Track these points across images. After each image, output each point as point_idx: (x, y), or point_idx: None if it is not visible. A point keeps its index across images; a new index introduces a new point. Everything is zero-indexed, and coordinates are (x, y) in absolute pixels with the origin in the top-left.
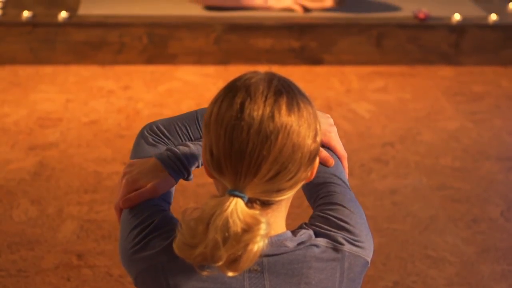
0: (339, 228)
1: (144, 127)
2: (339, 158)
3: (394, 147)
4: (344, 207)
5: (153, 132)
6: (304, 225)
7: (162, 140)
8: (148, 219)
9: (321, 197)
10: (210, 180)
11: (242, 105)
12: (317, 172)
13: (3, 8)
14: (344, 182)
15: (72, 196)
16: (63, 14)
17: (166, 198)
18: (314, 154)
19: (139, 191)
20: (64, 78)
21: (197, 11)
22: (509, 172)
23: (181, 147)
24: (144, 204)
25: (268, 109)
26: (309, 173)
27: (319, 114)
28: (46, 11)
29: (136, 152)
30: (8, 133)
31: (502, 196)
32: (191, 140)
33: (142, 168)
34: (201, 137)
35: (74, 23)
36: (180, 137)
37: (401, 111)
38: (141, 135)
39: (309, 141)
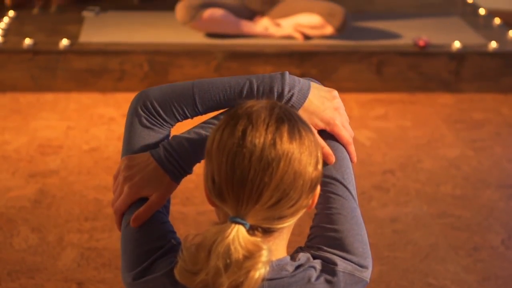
0: (334, 247)
1: (137, 101)
2: (344, 145)
3: (395, 174)
4: (341, 224)
5: (147, 110)
6: (300, 249)
7: (157, 121)
8: (158, 242)
9: (317, 212)
10: (211, 207)
11: (244, 132)
12: None
13: (4, 35)
14: (345, 187)
15: (73, 224)
16: (64, 42)
17: (166, 203)
18: (315, 182)
19: (148, 206)
20: (65, 105)
21: (197, 38)
22: (509, 200)
23: (179, 143)
24: (152, 221)
25: (269, 137)
26: (310, 201)
27: (323, 92)
28: (47, 38)
29: (130, 134)
30: (8, 161)
31: (503, 224)
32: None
33: (144, 174)
34: (197, 115)
35: (75, 50)
36: (176, 118)
37: (401, 139)
38: (134, 112)
39: (310, 169)
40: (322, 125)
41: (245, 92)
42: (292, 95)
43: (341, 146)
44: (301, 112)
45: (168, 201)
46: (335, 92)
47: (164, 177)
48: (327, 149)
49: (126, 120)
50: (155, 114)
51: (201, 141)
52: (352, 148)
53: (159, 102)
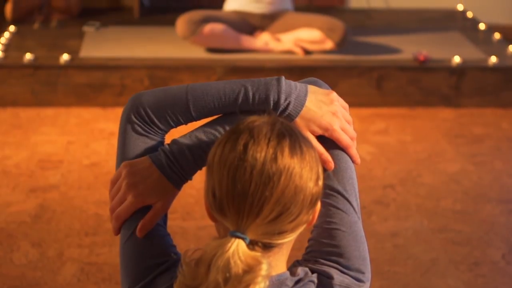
0: (331, 260)
1: (131, 107)
2: (344, 149)
3: (395, 189)
4: (339, 239)
5: (141, 118)
6: (297, 263)
7: (151, 129)
8: (159, 258)
9: (317, 224)
10: (211, 222)
11: (246, 146)
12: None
13: (5, 50)
14: (346, 199)
15: (73, 239)
16: (65, 57)
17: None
18: (316, 198)
19: (153, 215)
20: (65, 120)
21: (198, 53)
22: (510, 215)
23: (180, 151)
24: (153, 236)
25: (271, 151)
26: (310, 217)
27: (320, 96)
28: (47, 53)
29: (125, 141)
30: (9, 176)
31: (503, 239)
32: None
33: (148, 183)
34: (191, 122)
35: (75, 65)
36: (170, 125)
37: (401, 153)
38: (127, 120)
39: (311, 184)
40: (320, 131)
41: (240, 100)
42: (288, 104)
43: (345, 156)
44: (298, 120)
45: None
46: (333, 95)
47: (168, 186)
48: (326, 155)
49: (119, 126)
50: (149, 121)
51: (202, 149)
52: (353, 151)
53: (153, 109)
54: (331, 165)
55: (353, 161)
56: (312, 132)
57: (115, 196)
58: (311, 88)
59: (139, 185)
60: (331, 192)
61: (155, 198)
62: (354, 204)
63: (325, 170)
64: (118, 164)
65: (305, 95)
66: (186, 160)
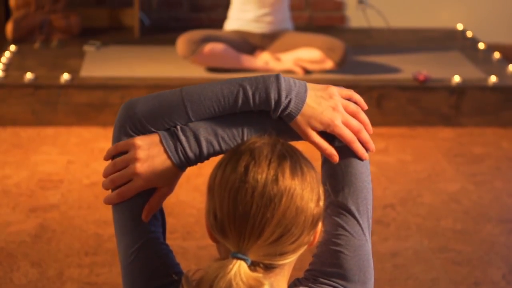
0: (332, 281)
1: (124, 120)
2: (347, 144)
3: (395, 209)
4: (342, 262)
5: (137, 130)
6: (298, 282)
7: None
8: (166, 277)
9: (322, 240)
10: (212, 242)
11: (247, 168)
12: (330, 195)
13: (6, 70)
14: (357, 220)
15: (73, 259)
16: (65, 76)
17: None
18: (317, 218)
19: (159, 198)
20: (65, 139)
21: (198, 72)
22: (510, 235)
23: (197, 143)
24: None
25: (272, 172)
26: (311, 237)
27: (319, 92)
28: (48, 73)
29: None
30: (9, 195)
31: (504, 258)
32: None
33: (159, 169)
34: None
35: (76, 85)
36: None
37: (401, 173)
38: (124, 132)
39: (312, 205)
40: (321, 128)
41: (240, 101)
42: (289, 101)
43: (363, 175)
44: (299, 117)
45: (163, 222)
46: (332, 89)
47: (177, 172)
48: (330, 149)
49: (113, 136)
50: (146, 133)
51: (216, 151)
52: (357, 146)
53: (148, 119)
54: (336, 158)
55: (359, 157)
56: (314, 129)
57: (119, 167)
58: (309, 84)
59: (148, 170)
60: (342, 211)
61: (163, 183)
62: (365, 225)
63: (341, 188)
64: None
65: (305, 91)
66: (199, 153)
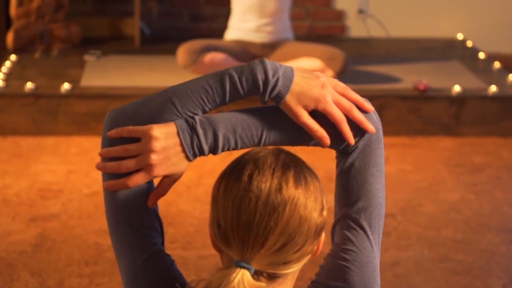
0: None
1: (112, 128)
2: (336, 123)
3: (396, 218)
4: (347, 278)
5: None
6: None
7: None
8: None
9: (330, 253)
10: (212, 252)
11: (250, 177)
12: (342, 208)
13: (6, 79)
14: (368, 236)
15: (73, 268)
16: (66, 86)
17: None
18: (320, 228)
19: (166, 186)
20: (65, 149)
21: None
22: (510, 244)
23: (214, 139)
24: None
25: (275, 182)
26: (315, 247)
27: (306, 73)
28: (48, 82)
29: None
30: (9, 205)
31: (504, 268)
32: None
33: (174, 162)
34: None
35: (76, 94)
36: None
37: (402, 183)
38: (108, 142)
39: (315, 214)
40: (312, 105)
41: (228, 88)
42: (277, 79)
43: (378, 191)
44: (289, 96)
45: (162, 231)
46: (319, 73)
47: (188, 163)
48: (321, 131)
49: (102, 139)
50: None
51: (231, 147)
52: (345, 127)
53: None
54: (327, 140)
55: (345, 139)
56: (305, 107)
57: (131, 153)
58: (295, 67)
59: (163, 162)
60: (354, 225)
61: (173, 172)
62: (375, 241)
63: (355, 202)
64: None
65: (292, 71)
66: (213, 149)
